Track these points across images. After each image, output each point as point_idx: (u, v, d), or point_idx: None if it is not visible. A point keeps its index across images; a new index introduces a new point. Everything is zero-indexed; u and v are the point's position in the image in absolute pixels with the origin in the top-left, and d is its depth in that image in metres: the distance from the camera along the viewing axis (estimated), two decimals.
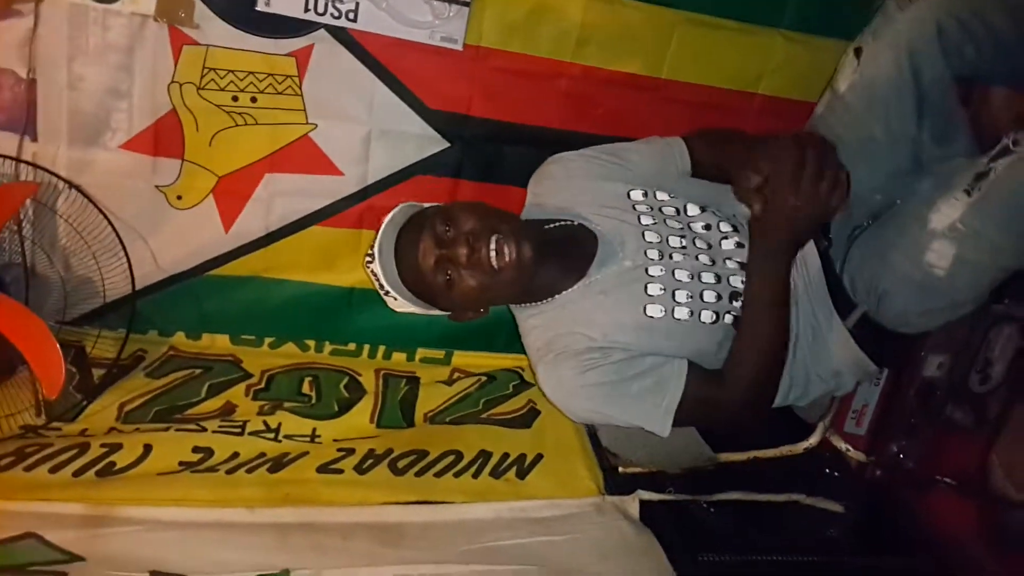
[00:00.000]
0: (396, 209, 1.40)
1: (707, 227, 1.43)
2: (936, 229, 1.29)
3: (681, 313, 1.33)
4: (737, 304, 1.36)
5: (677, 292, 1.34)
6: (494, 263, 1.29)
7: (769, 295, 1.31)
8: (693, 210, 1.45)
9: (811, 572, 1.62)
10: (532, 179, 1.59)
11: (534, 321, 1.41)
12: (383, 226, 1.37)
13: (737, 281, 1.37)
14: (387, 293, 1.39)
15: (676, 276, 1.36)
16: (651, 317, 1.33)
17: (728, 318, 1.35)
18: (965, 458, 1.70)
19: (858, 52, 1.43)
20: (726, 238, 1.41)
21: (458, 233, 1.31)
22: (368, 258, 1.40)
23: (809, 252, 1.44)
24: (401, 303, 1.40)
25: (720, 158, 1.50)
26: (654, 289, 1.34)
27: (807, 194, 1.22)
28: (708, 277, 1.37)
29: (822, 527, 1.72)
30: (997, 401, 1.66)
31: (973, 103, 1.66)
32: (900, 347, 1.53)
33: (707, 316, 1.34)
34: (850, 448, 1.65)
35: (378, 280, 1.38)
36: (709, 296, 1.35)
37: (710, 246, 1.41)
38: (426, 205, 1.43)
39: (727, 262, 1.39)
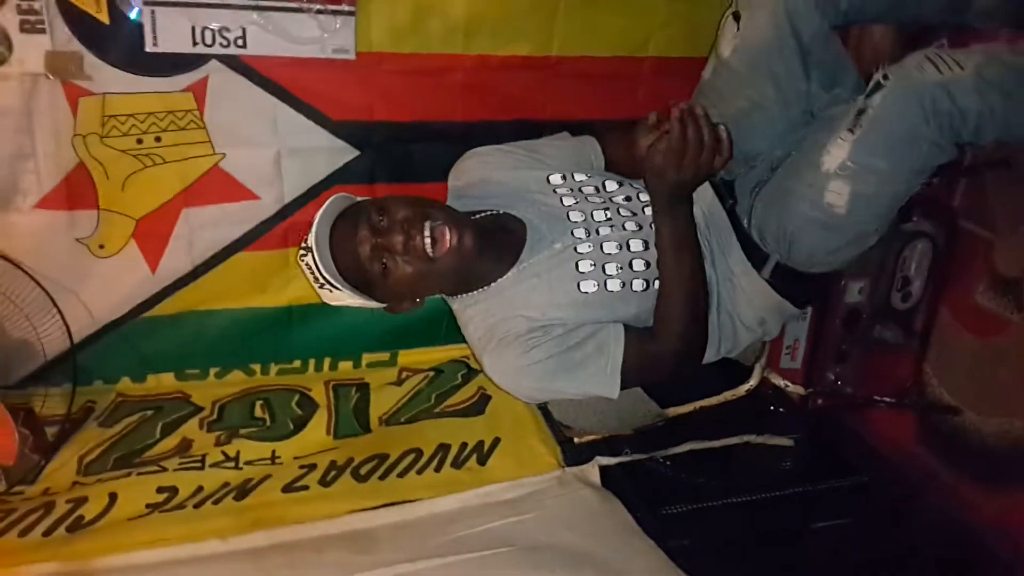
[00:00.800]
0: (329, 200, 1.42)
1: (628, 199, 1.48)
2: (829, 170, 1.33)
3: (613, 285, 1.38)
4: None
5: (607, 265, 1.39)
6: (429, 250, 1.32)
7: (677, 245, 1.35)
8: (611, 185, 1.51)
9: (770, 506, 1.70)
10: (451, 173, 1.62)
11: (471, 312, 1.45)
12: (317, 217, 1.38)
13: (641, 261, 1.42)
14: (322, 286, 1.40)
15: (604, 249, 1.41)
16: (585, 292, 1.38)
17: (658, 283, 1.40)
18: (900, 373, 1.78)
19: (736, 16, 1.47)
20: (647, 206, 1.45)
21: (392, 221, 1.33)
22: (302, 252, 1.42)
23: (717, 212, 1.50)
24: (337, 295, 1.41)
25: (629, 149, 1.54)
26: (585, 266, 1.39)
27: (690, 168, 1.27)
28: (636, 244, 1.42)
29: (775, 462, 1.80)
30: (921, 315, 1.74)
31: (851, 42, 1.72)
32: (819, 285, 1.58)
33: (638, 284, 1.39)
34: (788, 383, 1.71)
35: (313, 273, 1.39)
36: (638, 265, 1.40)
37: (635, 214, 1.46)
38: (359, 198, 1.46)
39: (652, 227, 1.44)
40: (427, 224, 1.32)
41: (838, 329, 1.68)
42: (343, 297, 1.41)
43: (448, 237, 1.31)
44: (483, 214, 1.48)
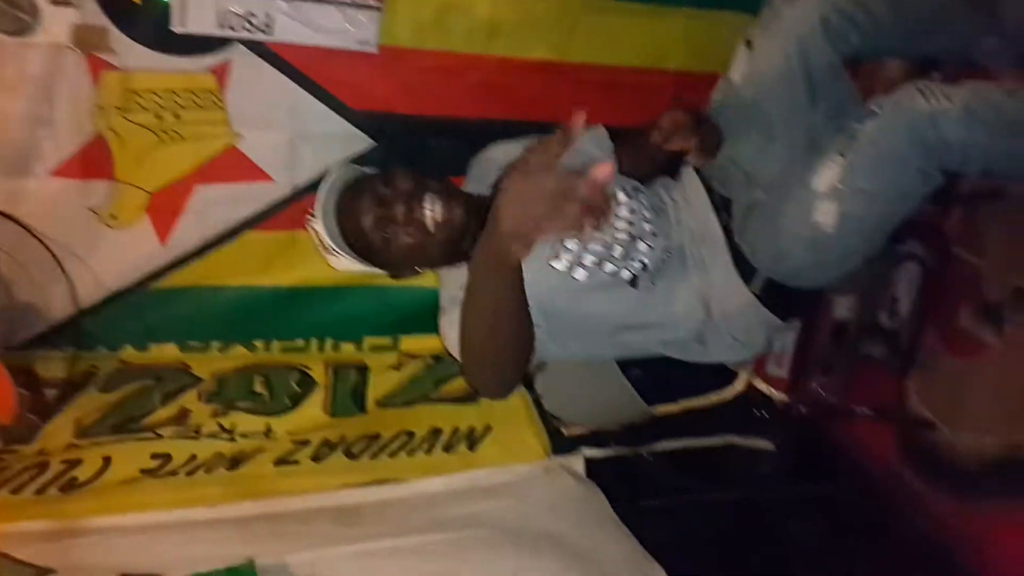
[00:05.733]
0: (336, 169, 1.50)
1: (632, 211, 1.54)
2: (819, 191, 1.38)
3: (579, 275, 1.44)
4: (628, 271, 1.47)
5: (584, 257, 1.45)
6: (429, 223, 1.39)
7: (492, 309, 1.17)
8: (621, 197, 1.56)
9: (747, 507, 1.74)
10: (471, 163, 1.71)
11: (452, 275, 1.52)
12: (323, 186, 1.46)
13: (636, 262, 1.48)
14: (329, 251, 1.48)
15: (588, 248, 1.46)
16: (552, 267, 1.44)
17: (625, 274, 1.46)
18: (882, 388, 1.83)
19: (749, 44, 1.53)
20: (647, 221, 1.54)
21: (396, 193, 1.41)
22: (310, 216, 1.50)
23: (712, 226, 1.57)
24: (343, 261, 1.49)
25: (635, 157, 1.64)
26: (564, 253, 1.45)
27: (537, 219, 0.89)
28: (618, 251, 1.47)
29: (755, 465, 1.85)
30: (907, 334, 1.78)
31: (864, 75, 1.79)
32: (806, 300, 1.65)
33: (601, 276, 1.45)
34: (773, 390, 1.76)
35: (320, 238, 1.46)
36: (608, 267, 1.46)
37: (632, 224, 1.52)
38: (367, 170, 1.52)
39: (639, 241, 1.51)
40: (427, 197, 1.40)
41: (825, 341, 1.73)
42: (349, 263, 1.48)
43: (441, 210, 1.39)
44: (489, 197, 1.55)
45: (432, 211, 1.40)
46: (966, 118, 1.27)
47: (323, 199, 1.45)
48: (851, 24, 1.46)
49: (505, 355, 1.29)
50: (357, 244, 1.46)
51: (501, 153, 1.65)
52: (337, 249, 1.45)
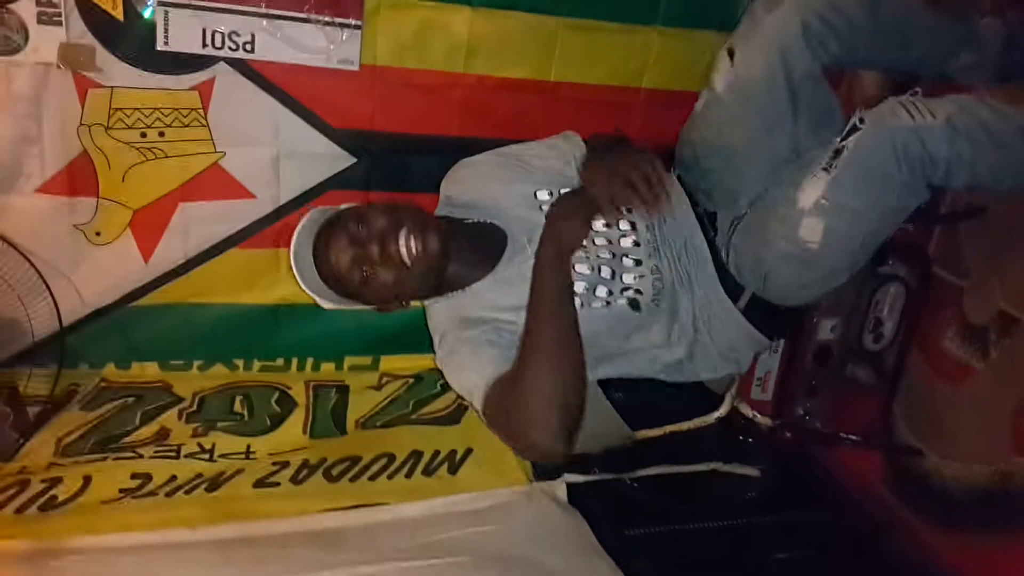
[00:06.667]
0: (308, 214, 1.47)
1: (607, 225, 1.50)
2: (804, 207, 1.37)
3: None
4: (624, 297, 1.44)
5: (575, 283, 1.42)
6: (405, 259, 1.36)
7: (542, 307, 1.30)
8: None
9: (733, 535, 1.71)
10: (444, 181, 1.67)
11: (439, 305, 1.49)
12: (297, 231, 1.43)
13: (630, 278, 1.45)
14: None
15: (577, 269, 1.43)
16: None
17: (622, 301, 1.43)
18: (868, 412, 1.81)
19: (731, 53, 1.50)
20: (624, 236, 1.50)
21: (370, 232, 1.38)
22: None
23: (698, 241, 1.54)
24: (328, 302, 1.47)
25: None
26: None
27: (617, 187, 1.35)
28: (606, 272, 1.45)
29: (741, 491, 1.83)
30: (892, 357, 1.76)
31: (843, 88, 1.77)
32: (791, 319, 1.62)
33: (597, 304, 1.42)
34: (757, 414, 1.74)
35: (301, 287, 1.44)
36: (601, 291, 1.43)
37: (610, 242, 1.49)
38: (342, 206, 1.51)
39: (624, 259, 1.48)
40: (402, 233, 1.37)
41: (809, 364, 1.71)
42: (334, 304, 1.46)
43: (416, 245, 1.36)
44: (470, 221, 1.53)
45: (407, 246, 1.37)
46: (950, 133, 1.26)
47: (296, 245, 1.42)
48: (830, 31, 1.44)
49: (574, 375, 1.22)
50: (337, 286, 1.43)
51: (471, 171, 1.64)
52: (320, 299, 1.44)
